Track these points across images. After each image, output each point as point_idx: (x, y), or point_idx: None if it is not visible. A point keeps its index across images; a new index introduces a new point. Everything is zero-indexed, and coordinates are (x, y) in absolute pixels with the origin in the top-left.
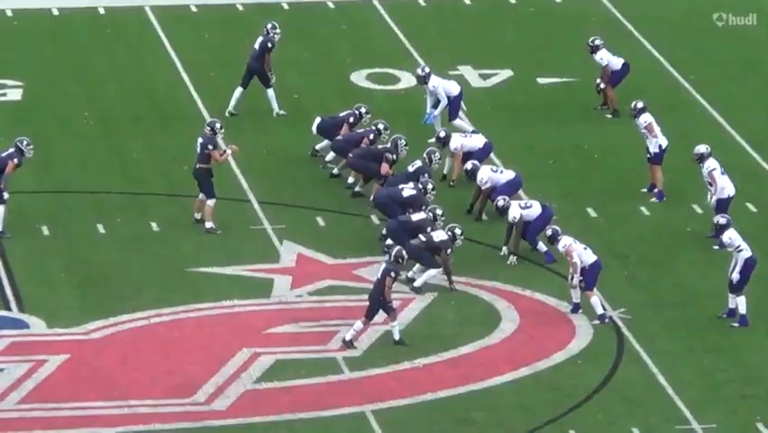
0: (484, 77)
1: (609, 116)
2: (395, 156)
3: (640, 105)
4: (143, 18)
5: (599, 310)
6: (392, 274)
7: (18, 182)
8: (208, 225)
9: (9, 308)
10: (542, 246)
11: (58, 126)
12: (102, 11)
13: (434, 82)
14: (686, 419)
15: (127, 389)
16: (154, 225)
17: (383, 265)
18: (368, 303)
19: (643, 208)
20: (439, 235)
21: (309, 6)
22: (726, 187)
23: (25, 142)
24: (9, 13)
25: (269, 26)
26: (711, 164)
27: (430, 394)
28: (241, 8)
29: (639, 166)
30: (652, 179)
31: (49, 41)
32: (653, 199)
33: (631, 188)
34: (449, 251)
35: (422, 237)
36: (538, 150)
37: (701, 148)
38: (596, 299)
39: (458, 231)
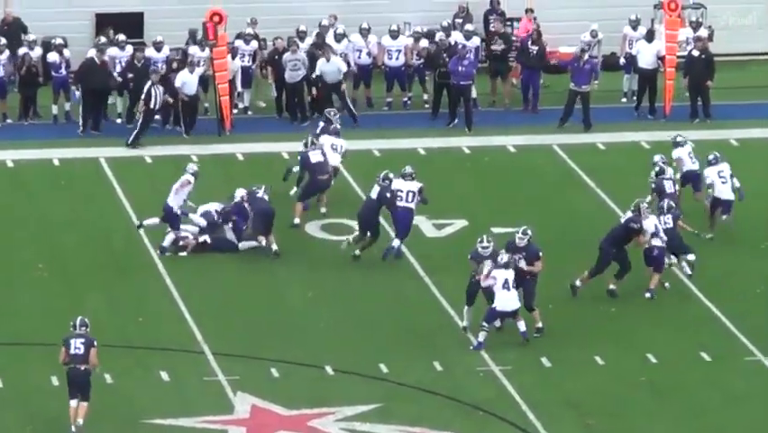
0: (438, 227)
1: None
2: None
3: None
4: (98, 169)
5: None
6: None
7: None
8: None
9: None
10: None
11: (13, 277)
12: (56, 162)
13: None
14: None
15: None
16: (108, 378)
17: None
18: None
19: (597, 358)
20: (649, 224)
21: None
22: None
23: None
24: None
25: None
26: None
27: None
28: (195, 158)
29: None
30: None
31: (4, 192)
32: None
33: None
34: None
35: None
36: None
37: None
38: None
39: (643, 205)
